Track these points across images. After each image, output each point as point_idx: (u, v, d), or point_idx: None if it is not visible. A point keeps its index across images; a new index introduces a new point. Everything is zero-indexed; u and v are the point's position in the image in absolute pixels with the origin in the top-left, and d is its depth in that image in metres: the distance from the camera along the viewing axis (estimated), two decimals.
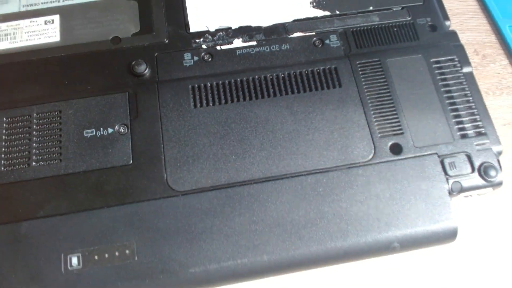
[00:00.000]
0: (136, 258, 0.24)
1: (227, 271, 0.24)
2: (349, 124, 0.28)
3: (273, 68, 0.29)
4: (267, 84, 0.29)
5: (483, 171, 0.27)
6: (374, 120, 0.28)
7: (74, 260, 0.24)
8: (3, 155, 0.26)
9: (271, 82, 0.29)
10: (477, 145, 0.28)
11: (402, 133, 0.28)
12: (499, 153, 0.28)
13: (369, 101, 0.28)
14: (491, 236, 0.29)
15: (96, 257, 0.24)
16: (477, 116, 0.28)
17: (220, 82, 0.29)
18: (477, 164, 0.27)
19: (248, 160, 0.27)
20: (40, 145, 0.27)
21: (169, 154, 0.26)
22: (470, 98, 0.29)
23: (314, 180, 0.26)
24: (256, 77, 0.29)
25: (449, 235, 0.26)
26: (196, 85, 0.28)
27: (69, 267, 0.24)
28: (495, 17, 0.37)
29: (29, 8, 0.31)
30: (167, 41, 0.30)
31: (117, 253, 0.24)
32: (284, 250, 0.25)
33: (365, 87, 0.29)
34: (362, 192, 0.26)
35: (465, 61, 0.30)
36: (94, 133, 0.27)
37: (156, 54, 0.29)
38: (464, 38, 0.35)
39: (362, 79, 0.29)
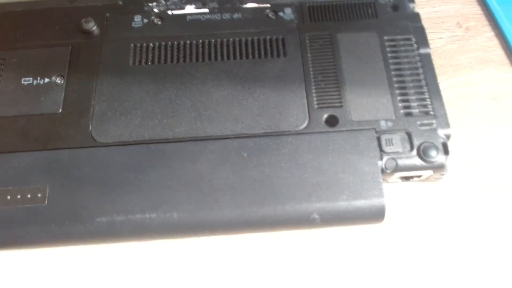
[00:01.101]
0: (46, 202, 0.24)
1: (134, 224, 0.23)
2: (287, 93, 0.27)
3: (219, 35, 0.29)
4: (209, 48, 0.28)
5: (423, 150, 0.25)
6: (314, 91, 0.27)
7: None
8: None
9: (214, 47, 0.28)
10: (421, 124, 0.26)
11: (340, 106, 0.26)
12: (448, 136, 0.26)
13: (312, 72, 0.27)
14: (425, 226, 0.27)
15: (8, 197, 0.24)
16: (426, 96, 0.27)
17: (163, 43, 0.28)
18: (416, 143, 0.25)
19: (176, 119, 0.26)
20: None
21: (99, 107, 0.26)
22: (422, 78, 0.27)
23: (239, 144, 0.25)
24: (200, 41, 0.29)
25: (376, 214, 0.24)
26: (138, 44, 0.28)
27: None
28: None
29: None
30: (121, 3, 0.30)
31: (29, 196, 0.24)
32: (196, 210, 0.24)
33: (311, 58, 0.28)
34: (288, 160, 0.25)
35: (423, 42, 0.29)
36: (31, 82, 0.27)
37: (107, 14, 0.30)
38: (447, 10, 0.34)
39: (309, 51, 0.28)
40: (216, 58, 0.28)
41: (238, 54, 0.28)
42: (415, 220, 0.27)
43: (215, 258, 0.26)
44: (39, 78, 0.27)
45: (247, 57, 0.28)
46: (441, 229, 0.27)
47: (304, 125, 0.26)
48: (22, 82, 0.27)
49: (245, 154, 0.25)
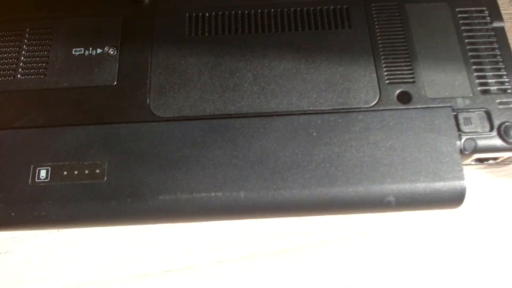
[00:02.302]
0: (105, 178, 0.23)
1: (199, 203, 0.22)
2: (355, 67, 0.25)
3: (280, 4, 0.27)
4: (269, 18, 0.26)
5: (504, 130, 0.23)
6: (384, 65, 0.25)
7: (43, 173, 0.23)
8: None
9: (274, 17, 0.27)
10: (500, 103, 0.24)
11: (413, 82, 0.25)
12: None
13: (380, 45, 0.26)
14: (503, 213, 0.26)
15: (65, 173, 0.23)
16: (504, 73, 0.25)
17: (220, 13, 0.27)
18: (497, 123, 0.24)
19: (238, 93, 0.24)
20: (28, 59, 0.26)
21: (155, 79, 0.25)
22: (498, 53, 0.25)
23: (307, 120, 0.24)
24: (259, 10, 0.27)
25: (455, 198, 0.23)
26: (194, 14, 0.27)
27: (36, 180, 0.23)
28: None
29: None
30: None
31: (87, 171, 0.23)
32: (264, 188, 0.22)
33: (378, 30, 0.26)
34: (359, 138, 0.23)
35: (497, 16, 0.27)
36: (82, 52, 0.26)
37: None
38: None
39: (376, 22, 0.26)
40: (276, 29, 0.26)
41: (300, 25, 0.26)
42: (490, 206, 0.25)
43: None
44: (90, 48, 0.26)
45: (309, 28, 0.26)
46: None
47: (375, 101, 0.24)
48: (73, 53, 0.26)
49: (313, 132, 0.23)
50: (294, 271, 0.25)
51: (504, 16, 0.31)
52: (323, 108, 0.24)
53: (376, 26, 0.26)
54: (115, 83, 0.25)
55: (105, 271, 0.26)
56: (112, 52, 0.26)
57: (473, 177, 0.27)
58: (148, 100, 0.24)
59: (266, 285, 0.25)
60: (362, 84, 0.25)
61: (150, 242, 0.26)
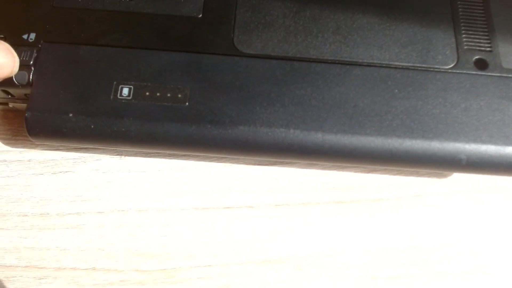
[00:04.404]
0: (187, 103, 0.23)
1: (277, 137, 0.23)
2: (434, 29, 0.25)
3: None
4: None
5: None
6: (463, 31, 0.26)
7: (125, 91, 0.23)
8: None
9: None
10: None
11: (490, 51, 0.25)
12: None
13: (460, 12, 0.26)
14: None
15: (147, 93, 0.23)
16: None
17: None
18: None
19: (320, 39, 0.25)
20: None
21: (241, 15, 0.25)
22: None
23: (386, 73, 0.24)
24: None
25: None
26: None
27: (118, 96, 0.23)
28: None
29: None
30: None
31: (169, 94, 0.23)
32: (341, 131, 0.23)
33: None
34: (436, 96, 0.24)
35: None
36: None
37: None
38: None
39: None
40: None
41: None
42: None
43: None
44: None
45: None
46: None
47: (453, 64, 0.25)
48: None
49: (392, 84, 0.24)
50: (348, 223, 0.26)
51: None
52: (402, 63, 0.24)
53: None
54: (201, 15, 0.25)
55: (166, 200, 0.26)
56: None
57: None
58: (232, 35, 0.25)
59: (320, 233, 0.26)
60: (441, 46, 0.25)
61: (211, 177, 0.27)
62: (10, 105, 0.27)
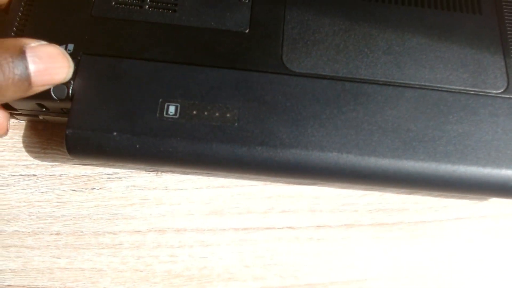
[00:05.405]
0: (236, 124, 0.22)
1: (329, 161, 0.22)
2: (484, 52, 0.25)
3: None
4: None
5: None
6: None
7: (172, 109, 0.22)
8: None
9: None
10: None
11: None
12: None
13: (509, 34, 0.26)
14: None
15: (194, 112, 0.22)
16: None
17: None
18: None
19: (371, 59, 0.24)
20: None
21: (289, 32, 0.24)
22: None
23: (438, 96, 0.24)
24: None
25: None
26: None
27: (164, 114, 0.22)
28: None
29: None
30: None
31: (217, 114, 0.22)
32: (395, 156, 0.22)
33: (507, 20, 0.26)
34: (488, 121, 0.23)
35: None
36: None
37: None
38: None
39: (505, 12, 0.26)
40: (409, 3, 0.26)
41: (432, 2, 0.26)
42: None
43: None
44: None
45: (441, 8, 0.26)
46: None
47: (503, 88, 0.24)
48: None
49: (444, 108, 0.23)
50: (392, 247, 0.26)
51: None
52: (454, 86, 0.24)
53: (505, 15, 0.26)
54: (248, 30, 0.24)
55: (205, 219, 0.25)
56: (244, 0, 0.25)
57: None
58: (281, 52, 0.24)
59: (364, 258, 0.25)
60: (491, 70, 0.25)
61: (251, 196, 0.26)
62: (40, 117, 0.26)
